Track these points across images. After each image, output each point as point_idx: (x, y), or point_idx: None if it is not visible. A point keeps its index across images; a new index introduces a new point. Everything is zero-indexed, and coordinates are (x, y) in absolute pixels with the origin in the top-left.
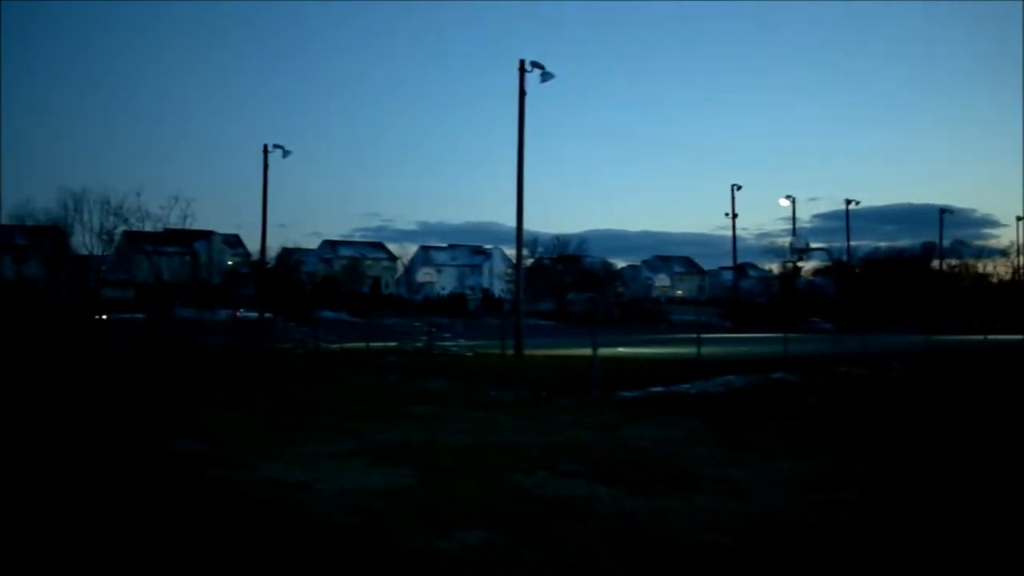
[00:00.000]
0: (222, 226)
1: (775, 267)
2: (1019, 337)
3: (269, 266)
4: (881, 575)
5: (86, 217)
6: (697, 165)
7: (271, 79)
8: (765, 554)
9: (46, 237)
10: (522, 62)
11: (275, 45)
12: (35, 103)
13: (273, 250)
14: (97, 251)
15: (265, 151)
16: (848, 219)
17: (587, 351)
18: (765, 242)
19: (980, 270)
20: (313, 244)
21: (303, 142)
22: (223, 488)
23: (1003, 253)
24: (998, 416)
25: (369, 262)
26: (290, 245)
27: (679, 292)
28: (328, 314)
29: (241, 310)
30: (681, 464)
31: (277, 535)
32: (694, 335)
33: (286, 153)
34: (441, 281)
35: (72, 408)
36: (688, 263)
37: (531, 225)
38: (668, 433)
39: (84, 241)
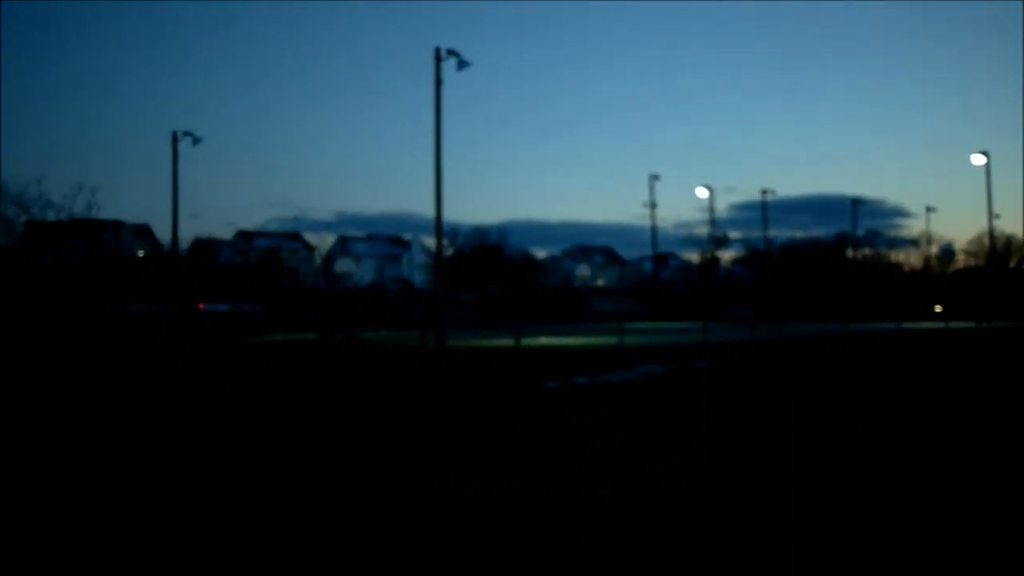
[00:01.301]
0: (131, 216)
1: (694, 256)
2: (931, 324)
3: (181, 257)
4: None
5: None
6: (617, 155)
7: (181, 65)
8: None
9: None
10: (438, 50)
11: (187, 29)
12: None
13: (186, 240)
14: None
15: (174, 138)
16: (764, 209)
17: (509, 342)
18: (684, 232)
19: (892, 259)
20: (227, 235)
21: (216, 131)
22: None
23: (914, 243)
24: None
25: (286, 253)
26: (203, 235)
27: (600, 282)
28: (246, 307)
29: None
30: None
31: None
32: (615, 325)
33: (196, 141)
34: (360, 272)
35: None
36: (608, 253)
37: (451, 215)
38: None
39: None
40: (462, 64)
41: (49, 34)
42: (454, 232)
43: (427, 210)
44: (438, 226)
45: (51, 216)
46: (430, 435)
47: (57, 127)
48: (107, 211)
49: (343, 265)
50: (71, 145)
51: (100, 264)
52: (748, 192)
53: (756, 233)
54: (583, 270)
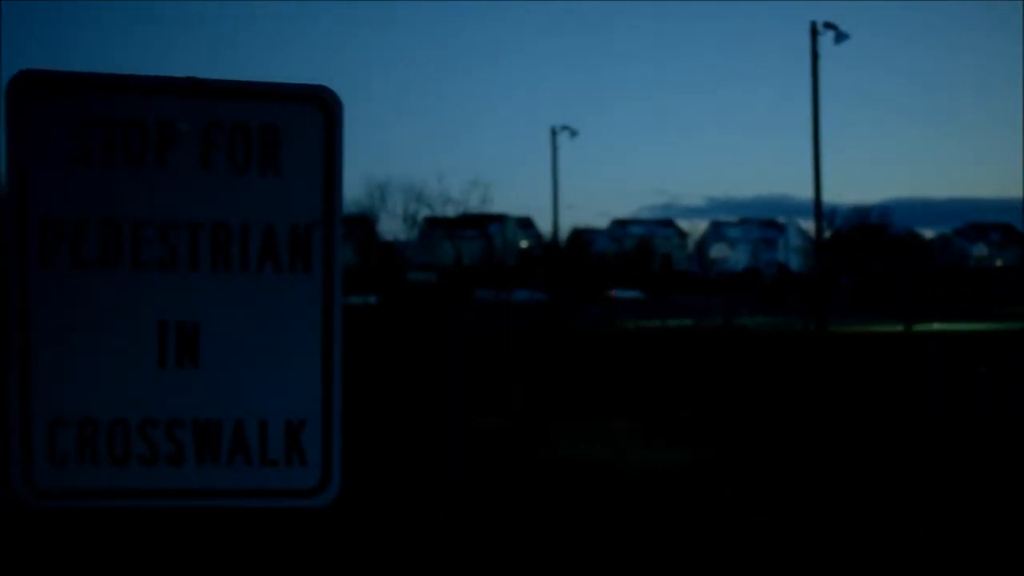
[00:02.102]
0: (514, 209)
1: None
2: None
3: (560, 247)
4: None
5: (390, 205)
6: (1015, 123)
7: (559, 62)
8: None
9: (357, 226)
10: (813, 23)
11: (565, 33)
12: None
13: (563, 231)
14: (401, 237)
15: (553, 133)
16: None
17: (897, 327)
18: None
19: None
20: (602, 224)
21: (589, 122)
22: None
23: None
24: None
25: (659, 240)
26: (580, 226)
27: (998, 262)
28: (620, 293)
29: (524, 292)
30: None
31: None
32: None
33: (574, 134)
34: (733, 257)
35: None
36: (1008, 231)
37: (828, 196)
38: None
39: (389, 227)
40: (840, 36)
41: (446, 32)
42: (832, 213)
43: (801, 192)
44: (817, 207)
45: (449, 212)
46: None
47: (451, 123)
48: (494, 205)
49: (717, 250)
50: (463, 140)
51: (487, 254)
52: None
53: None
54: (979, 250)
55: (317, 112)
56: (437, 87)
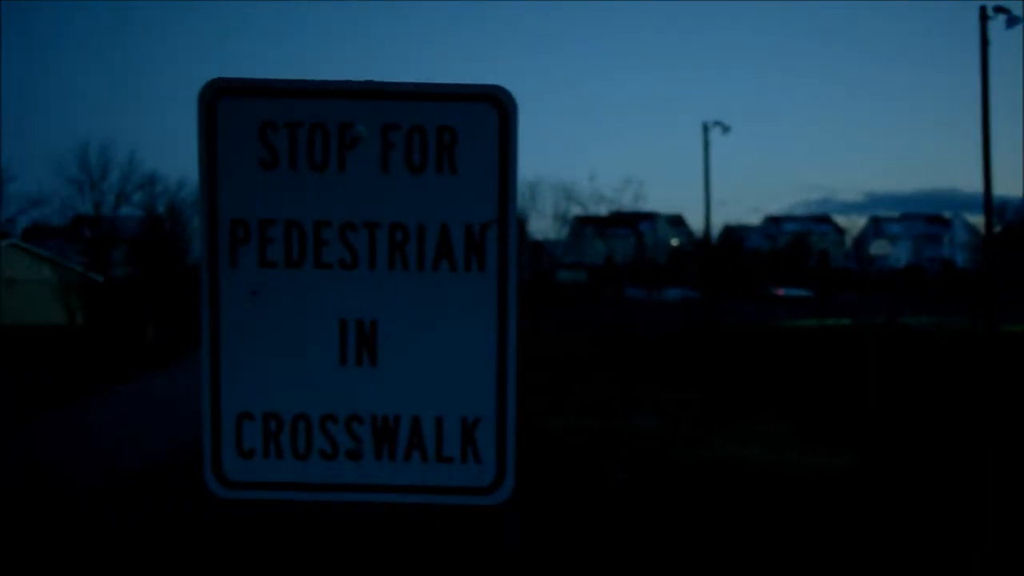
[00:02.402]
0: (664, 206)
1: None
2: None
3: (713, 244)
4: None
5: (540, 204)
6: None
7: (717, 55)
8: None
9: None
10: (983, 8)
11: (718, 28)
12: None
13: (715, 228)
14: (551, 236)
15: (705, 129)
16: None
17: None
18: None
19: None
20: (754, 221)
21: (741, 117)
22: None
23: None
24: None
25: (815, 236)
26: (732, 222)
27: None
28: (787, 292)
29: (676, 290)
30: None
31: None
32: None
33: (726, 130)
34: (894, 254)
35: None
36: None
37: (999, 189)
38: None
39: (539, 227)
40: (1012, 21)
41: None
42: (1003, 206)
43: (968, 185)
44: (987, 200)
45: (601, 210)
46: None
47: (601, 121)
48: (644, 203)
49: (877, 247)
50: (613, 138)
51: (638, 252)
52: None
53: None
54: None
55: (492, 112)
56: (588, 85)
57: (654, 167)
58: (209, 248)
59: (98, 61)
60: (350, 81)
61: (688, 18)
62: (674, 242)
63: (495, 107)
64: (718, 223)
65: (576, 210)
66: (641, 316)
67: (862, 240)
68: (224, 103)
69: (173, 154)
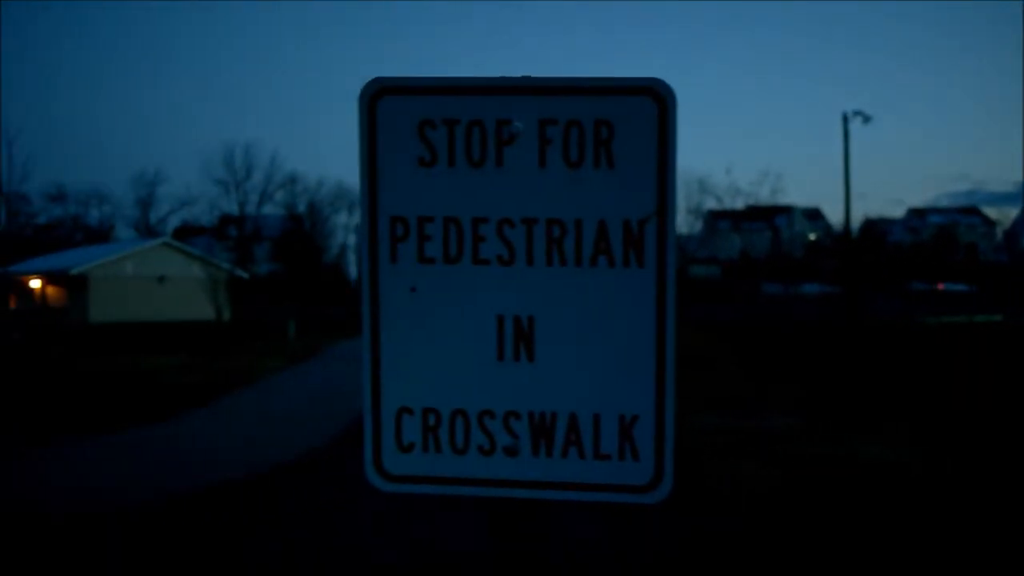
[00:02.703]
0: (800, 199)
1: None
2: None
3: (853, 238)
4: None
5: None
6: None
7: (855, 44)
8: None
9: None
10: None
11: (873, 15)
12: None
13: (855, 221)
14: (684, 230)
15: (845, 119)
16: None
17: None
18: None
19: None
20: (896, 213)
21: (882, 106)
22: None
23: None
24: None
25: (962, 229)
26: (872, 215)
27: None
28: (919, 286)
29: (814, 285)
30: None
31: None
32: None
33: (867, 120)
34: None
35: None
36: None
37: None
38: None
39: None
40: None
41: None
42: None
43: None
44: None
45: (738, 204)
46: None
47: (738, 113)
48: (781, 196)
49: None
50: (750, 131)
51: (774, 247)
52: None
53: None
54: None
55: (651, 105)
56: (722, 78)
57: (791, 159)
58: (370, 245)
59: (241, 63)
60: (506, 78)
61: (830, 8)
62: (811, 236)
63: (654, 100)
64: (858, 216)
65: (710, 203)
66: (780, 312)
67: (1014, 232)
68: (384, 102)
69: (314, 154)
